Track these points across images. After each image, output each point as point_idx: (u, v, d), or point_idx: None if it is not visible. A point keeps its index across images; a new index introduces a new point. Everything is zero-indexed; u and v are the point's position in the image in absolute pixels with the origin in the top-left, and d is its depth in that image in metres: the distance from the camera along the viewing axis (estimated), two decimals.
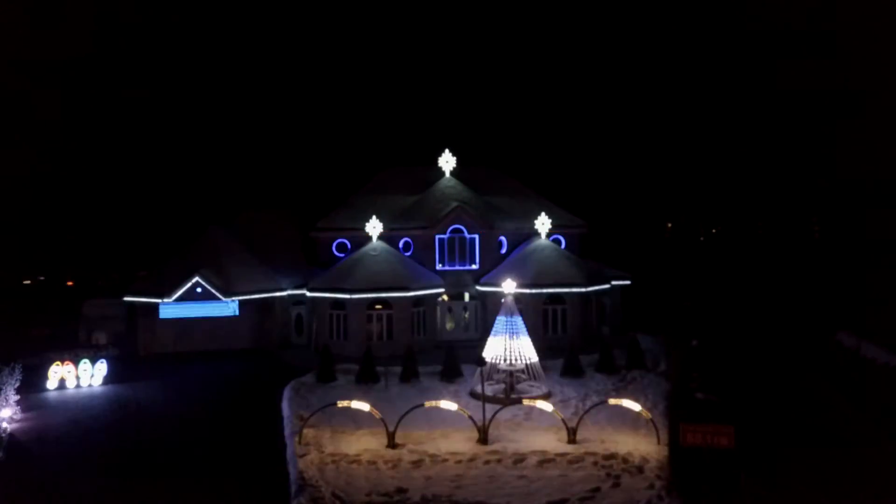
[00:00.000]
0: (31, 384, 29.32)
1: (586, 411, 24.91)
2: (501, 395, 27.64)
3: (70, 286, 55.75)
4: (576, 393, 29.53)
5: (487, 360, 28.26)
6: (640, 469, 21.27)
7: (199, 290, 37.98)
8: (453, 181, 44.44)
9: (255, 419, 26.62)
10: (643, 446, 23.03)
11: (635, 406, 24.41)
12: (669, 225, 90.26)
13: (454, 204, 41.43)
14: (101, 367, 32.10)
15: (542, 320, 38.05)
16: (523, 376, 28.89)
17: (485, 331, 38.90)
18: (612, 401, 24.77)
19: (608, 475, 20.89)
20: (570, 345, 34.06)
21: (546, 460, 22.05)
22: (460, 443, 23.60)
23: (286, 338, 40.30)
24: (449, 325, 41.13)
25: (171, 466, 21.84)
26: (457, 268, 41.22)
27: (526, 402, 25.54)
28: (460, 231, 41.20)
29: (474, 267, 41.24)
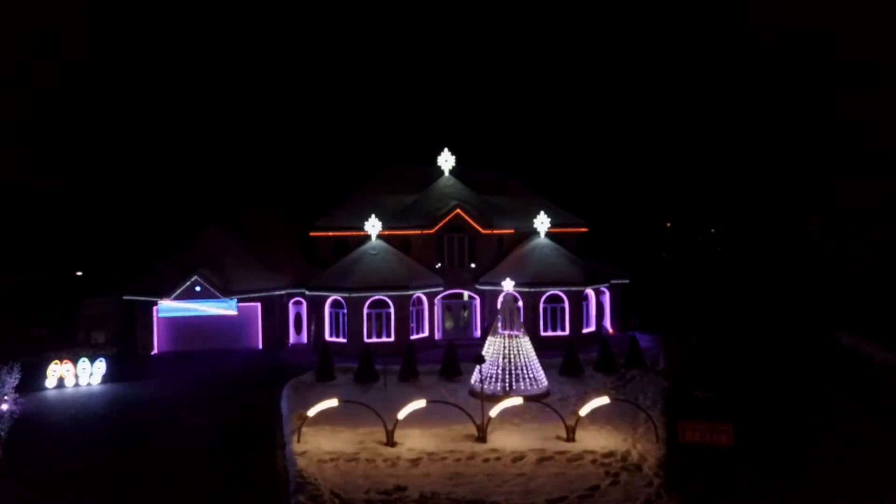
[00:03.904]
0: (30, 383, 29.25)
1: (584, 409, 24.87)
2: (500, 394, 27.64)
3: (78, 276, 55.73)
4: (574, 391, 29.54)
5: (486, 358, 28.28)
6: (639, 467, 21.27)
7: (198, 288, 37.96)
8: (452, 180, 44.42)
9: (254, 418, 26.60)
10: (642, 444, 23.02)
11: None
12: (669, 224, 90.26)
13: (453, 203, 41.41)
14: (100, 366, 32.06)
15: (540, 319, 38.09)
16: (522, 375, 28.85)
17: (484, 329, 38.98)
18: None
19: (607, 473, 20.88)
20: (569, 343, 34.06)
21: (545, 458, 22.05)
22: (459, 441, 23.61)
23: (285, 337, 40.29)
24: (448, 324, 41.13)
25: (170, 465, 21.81)
26: (456, 267, 41.19)
27: (524, 400, 25.52)
28: (459, 230, 41.16)
29: (473, 266, 41.21)
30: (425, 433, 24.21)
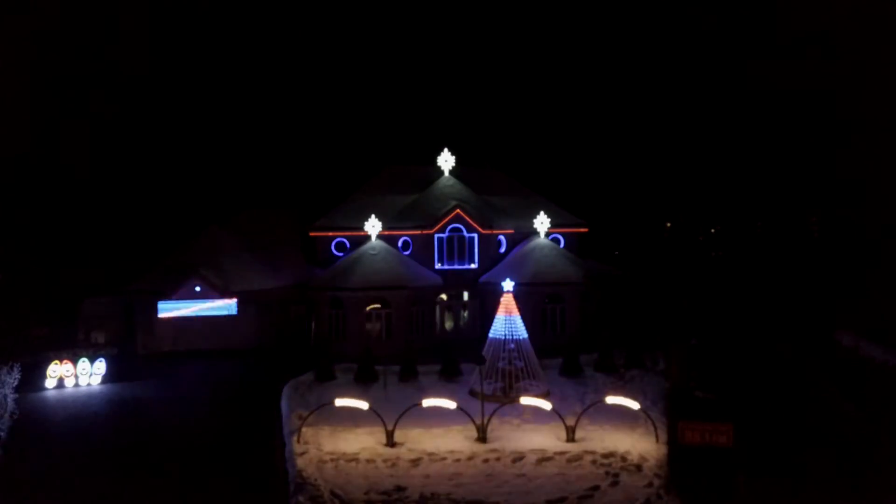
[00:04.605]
0: (30, 383, 29.24)
1: (585, 409, 24.91)
2: (500, 394, 27.64)
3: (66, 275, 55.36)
4: (574, 392, 29.55)
5: (486, 358, 28.27)
6: (639, 467, 21.28)
7: (198, 288, 37.96)
8: (452, 180, 44.43)
9: (254, 418, 26.61)
10: (642, 445, 23.04)
11: (634, 404, 24.51)
12: (669, 224, 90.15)
13: (453, 203, 41.42)
14: (100, 366, 32.10)
15: (540, 319, 38.07)
16: (522, 375, 28.88)
17: (484, 330, 38.95)
18: (609, 399, 24.79)
19: (607, 474, 20.90)
20: (569, 343, 34.06)
21: (544, 459, 22.06)
22: (459, 441, 23.62)
23: (285, 337, 40.26)
24: (448, 324, 41.13)
25: (170, 465, 21.83)
26: (456, 267, 41.21)
27: (524, 400, 25.52)
28: (459, 230, 41.19)
29: (473, 266, 41.23)
30: (425, 433, 24.21)
